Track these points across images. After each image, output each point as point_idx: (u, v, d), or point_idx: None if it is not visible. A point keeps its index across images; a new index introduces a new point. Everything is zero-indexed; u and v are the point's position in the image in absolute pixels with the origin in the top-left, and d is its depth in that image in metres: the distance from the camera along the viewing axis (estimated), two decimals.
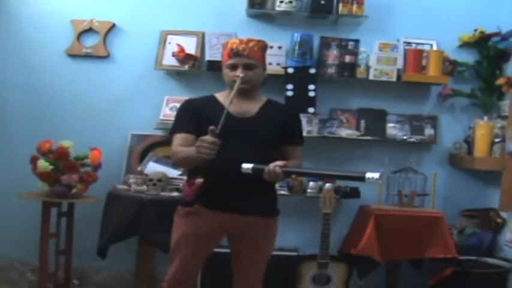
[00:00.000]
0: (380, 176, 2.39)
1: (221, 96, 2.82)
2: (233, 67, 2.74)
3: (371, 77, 4.19)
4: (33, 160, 3.89)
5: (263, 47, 2.86)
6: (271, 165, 2.53)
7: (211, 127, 2.47)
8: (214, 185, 2.67)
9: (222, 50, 2.85)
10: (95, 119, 4.30)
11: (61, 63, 4.34)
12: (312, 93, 4.11)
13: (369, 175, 2.38)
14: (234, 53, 2.74)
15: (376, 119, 4.29)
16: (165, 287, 2.79)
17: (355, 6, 4.16)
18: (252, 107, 2.77)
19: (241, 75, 2.70)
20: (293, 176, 2.58)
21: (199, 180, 2.66)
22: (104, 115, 4.31)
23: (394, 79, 4.20)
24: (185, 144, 2.68)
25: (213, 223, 2.70)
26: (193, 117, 2.73)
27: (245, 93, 2.75)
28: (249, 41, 2.78)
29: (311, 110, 4.10)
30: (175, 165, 2.83)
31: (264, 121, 2.73)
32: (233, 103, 2.71)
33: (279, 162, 2.54)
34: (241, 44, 2.76)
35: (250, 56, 2.75)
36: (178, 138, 2.72)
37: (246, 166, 2.54)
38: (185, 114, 2.79)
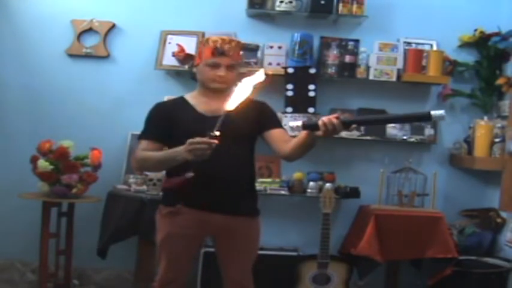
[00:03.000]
0: (444, 113, 2.29)
1: (190, 97, 2.81)
2: (215, 66, 2.72)
3: (371, 77, 4.20)
4: (33, 160, 3.89)
5: (242, 47, 2.88)
6: (325, 118, 2.37)
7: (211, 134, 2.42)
8: (195, 185, 2.64)
9: (201, 46, 2.79)
10: (95, 119, 4.30)
11: (61, 63, 4.34)
12: (312, 93, 4.12)
13: (434, 112, 2.28)
14: (220, 52, 2.71)
15: None
16: (156, 287, 2.79)
17: (355, 6, 4.16)
18: (222, 106, 2.72)
19: (222, 74, 2.71)
20: (353, 125, 2.40)
21: (190, 174, 2.57)
22: (104, 115, 4.31)
23: (394, 79, 4.20)
24: (149, 151, 2.70)
25: (195, 223, 2.69)
26: (163, 122, 2.73)
27: (220, 93, 2.74)
28: (231, 40, 2.78)
29: (311, 110, 4.10)
30: (140, 169, 2.86)
31: (237, 117, 2.67)
32: (203, 103, 2.75)
33: (332, 115, 2.38)
34: (224, 43, 2.73)
35: (233, 56, 2.75)
36: (144, 144, 2.73)
37: (295, 123, 2.39)
38: (154, 120, 2.79)
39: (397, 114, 2.41)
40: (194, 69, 2.85)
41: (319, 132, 2.41)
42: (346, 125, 2.38)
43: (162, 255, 2.76)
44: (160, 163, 2.68)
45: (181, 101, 2.81)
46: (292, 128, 2.42)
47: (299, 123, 2.40)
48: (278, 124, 2.84)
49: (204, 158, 2.44)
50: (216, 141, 2.41)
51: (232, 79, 2.74)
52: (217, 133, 2.40)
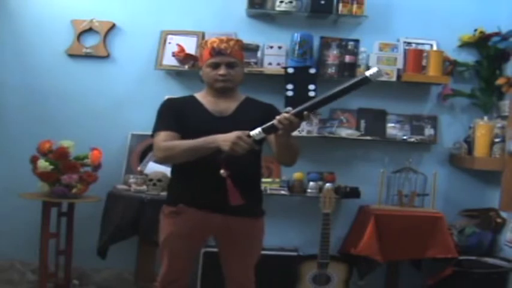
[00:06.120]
0: (378, 68, 2.35)
1: (200, 96, 2.82)
2: (215, 66, 2.73)
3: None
4: (33, 160, 3.89)
5: (242, 46, 2.87)
6: (279, 117, 2.45)
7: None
8: (198, 185, 2.67)
9: (201, 49, 2.82)
10: (95, 119, 4.30)
11: (61, 63, 4.34)
12: (312, 93, 4.11)
13: (369, 73, 2.36)
14: (216, 52, 2.73)
15: (376, 119, 4.29)
16: (158, 287, 2.79)
17: (355, 6, 4.16)
18: (230, 106, 2.77)
19: (222, 72, 2.71)
20: (305, 113, 2.44)
21: (224, 172, 2.56)
22: (104, 115, 4.31)
23: (394, 79, 4.20)
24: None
25: (197, 222, 2.70)
26: (176, 116, 2.73)
27: (225, 92, 2.76)
28: (229, 40, 2.79)
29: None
30: (166, 159, 2.78)
31: (242, 118, 2.71)
32: (212, 102, 2.75)
33: (284, 114, 2.46)
34: (222, 42, 2.75)
35: (232, 55, 2.75)
36: (164, 135, 2.69)
37: (255, 132, 2.47)
38: (168, 113, 2.77)
39: (339, 87, 2.46)
40: (200, 72, 2.86)
41: (280, 132, 2.48)
42: (299, 115, 2.44)
43: (164, 255, 2.76)
44: (189, 150, 2.61)
45: (192, 99, 2.83)
46: (255, 137, 2.47)
47: (258, 129, 2.47)
48: None
49: (236, 154, 2.47)
50: (256, 148, 2.49)
51: (234, 77, 2.76)
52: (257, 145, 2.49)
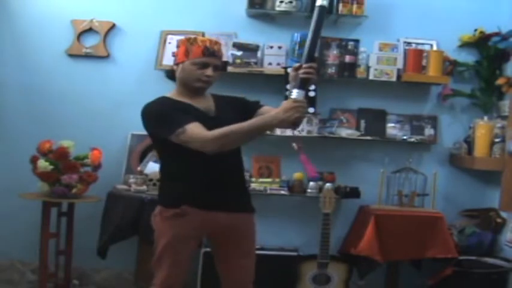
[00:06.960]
0: None
1: (177, 97, 2.78)
2: (204, 66, 2.70)
3: (371, 77, 4.19)
4: (33, 160, 3.89)
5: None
6: (302, 70, 2.49)
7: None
8: (200, 184, 2.65)
9: (187, 45, 2.74)
10: (95, 119, 4.30)
11: (61, 63, 4.34)
12: (312, 93, 4.11)
13: (318, 3, 2.50)
14: (210, 52, 2.71)
15: (376, 119, 4.29)
16: None
17: (355, 6, 4.16)
18: (210, 104, 2.76)
19: (210, 74, 2.69)
20: (316, 55, 2.57)
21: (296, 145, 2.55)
22: (104, 115, 4.31)
23: (394, 79, 4.20)
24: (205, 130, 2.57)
25: (201, 222, 2.67)
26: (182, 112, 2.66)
27: (200, 92, 2.75)
28: (217, 42, 2.79)
29: (311, 110, 4.10)
30: (220, 147, 2.52)
31: (225, 115, 2.70)
32: (195, 102, 2.73)
33: (303, 65, 2.50)
34: (213, 44, 2.74)
35: (220, 58, 2.78)
36: (196, 126, 2.55)
37: (295, 94, 2.45)
38: (174, 109, 2.69)
39: (312, 25, 2.57)
40: (174, 67, 2.81)
41: (311, 82, 2.55)
42: (313, 59, 2.53)
43: (165, 260, 2.67)
44: (250, 133, 2.54)
45: (172, 100, 2.77)
46: (298, 97, 2.45)
47: (295, 90, 2.47)
48: (258, 103, 2.83)
49: (302, 118, 2.46)
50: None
51: (214, 80, 2.75)
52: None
